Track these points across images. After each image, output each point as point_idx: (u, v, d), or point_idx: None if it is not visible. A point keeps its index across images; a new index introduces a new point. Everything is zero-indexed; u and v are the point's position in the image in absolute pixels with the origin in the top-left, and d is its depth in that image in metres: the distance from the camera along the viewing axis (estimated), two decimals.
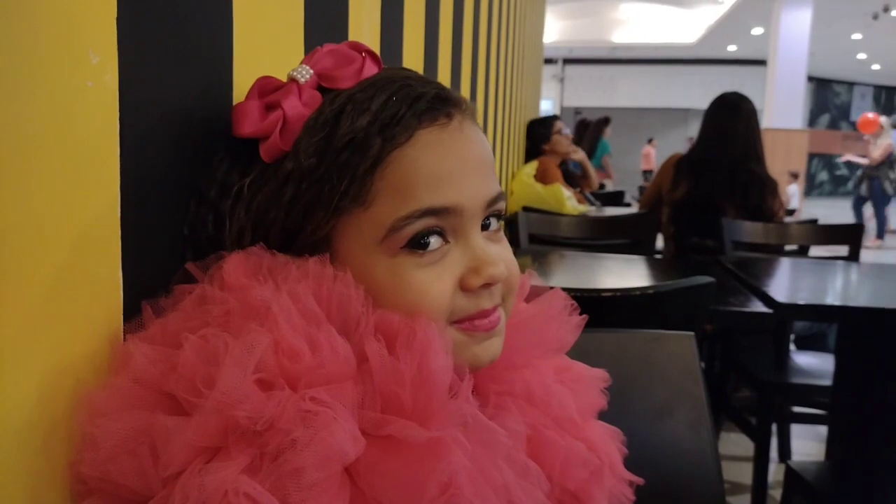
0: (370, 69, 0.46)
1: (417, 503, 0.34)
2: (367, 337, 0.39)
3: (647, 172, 12.11)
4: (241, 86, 0.53)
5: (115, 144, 0.40)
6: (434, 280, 0.42)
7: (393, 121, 0.42)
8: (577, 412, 0.49)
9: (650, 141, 12.52)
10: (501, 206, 0.46)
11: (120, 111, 0.40)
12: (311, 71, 0.45)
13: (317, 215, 0.42)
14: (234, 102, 0.52)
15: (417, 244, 0.42)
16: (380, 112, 0.42)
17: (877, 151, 7.20)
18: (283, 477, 0.33)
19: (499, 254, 0.46)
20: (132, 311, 0.41)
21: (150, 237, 0.44)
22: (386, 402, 0.37)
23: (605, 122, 5.75)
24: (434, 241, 0.43)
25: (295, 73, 0.45)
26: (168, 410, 0.35)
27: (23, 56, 0.33)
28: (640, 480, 0.52)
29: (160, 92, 0.44)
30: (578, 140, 4.50)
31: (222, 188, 0.45)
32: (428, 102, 0.43)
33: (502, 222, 0.48)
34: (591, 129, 5.60)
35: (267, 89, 0.46)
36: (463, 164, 0.43)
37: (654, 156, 12.26)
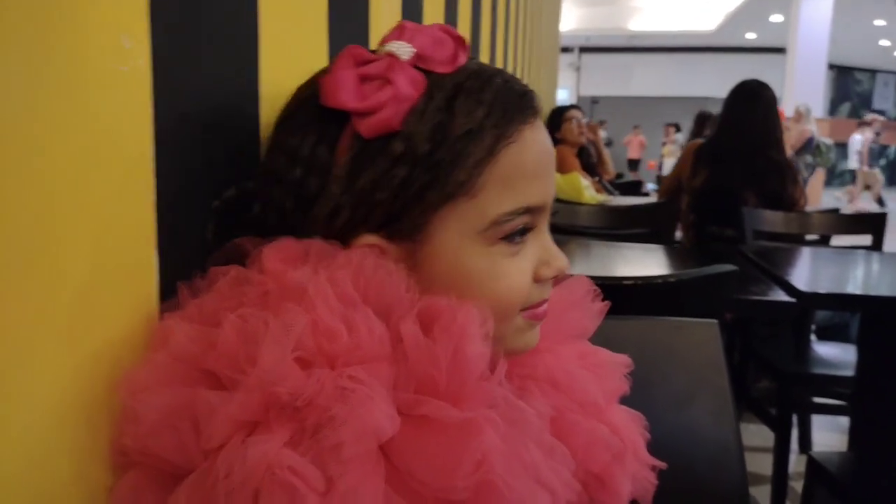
0: (462, 58, 0.45)
1: (451, 480, 0.35)
2: (403, 319, 0.39)
3: (633, 162, 11.82)
4: (267, 69, 0.53)
5: (148, 127, 0.40)
6: (522, 270, 0.45)
7: (505, 116, 0.43)
8: (600, 396, 0.49)
9: (635, 128, 12.23)
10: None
11: (153, 95, 0.40)
12: (412, 49, 0.44)
13: (427, 200, 0.42)
14: (260, 85, 0.53)
15: (513, 237, 0.44)
16: (493, 105, 0.43)
17: (794, 137, 7.61)
18: (323, 451, 0.34)
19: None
20: (168, 293, 0.42)
21: (184, 219, 0.44)
22: (420, 384, 0.38)
23: None
24: (521, 233, 0.45)
25: (394, 49, 0.44)
26: (207, 386, 0.36)
27: (61, 41, 0.34)
28: (662, 465, 0.52)
29: (190, 76, 0.45)
30: (699, 131, 4.45)
31: (310, 165, 0.43)
32: (528, 102, 0.45)
33: None
34: (714, 121, 5.60)
35: (360, 60, 0.44)
36: (548, 163, 0.46)
37: (640, 143, 11.94)
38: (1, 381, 0.32)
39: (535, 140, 0.45)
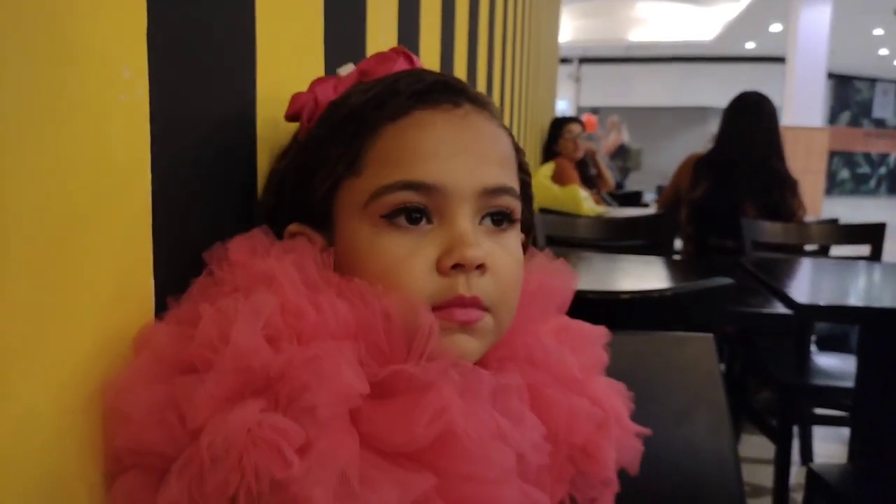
0: (401, 66, 0.50)
1: (411, 431, 0.36)
2: (340, 295, 0.41)
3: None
4: (264, 96, 0.54)
5: (146, 154, 0.41)
6: (408, 255, 0.42)
7: (390, 97, 0.45)
8: (579, 369, 0.49)
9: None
10: (506, 202, 0.45)
11: (151, 122, 0.41)
12: (353, 67, 0.51)
13: (315, 179, 0.45)
14: (258, 111, 0.54)
15: (396, 216, 0.43)
16: (382, 91, 0.45)
17: (608, 144, 8.56)
18: (299, 415, 0.35)
19: (487, 248, 0.44)
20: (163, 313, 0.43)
21: (180, 242, 0.45)
22: (373, 355, 0.39)
23: None
24: (415, 218, 0.43)
25: (339, 70, 0.51)
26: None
27: (62, 72, 0.35)
28: (648, 432, 0.52)
29: (188, 104, 0.46)
30: None
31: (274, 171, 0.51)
32: (427, 86, 0.45)
33: (513, 226, 0.47)
34: None
35: (319, 83, 0.51)
36: (458, 146, 0.44)
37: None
38: (17, 369, 0.33)
39: (435, 122, 0.44)
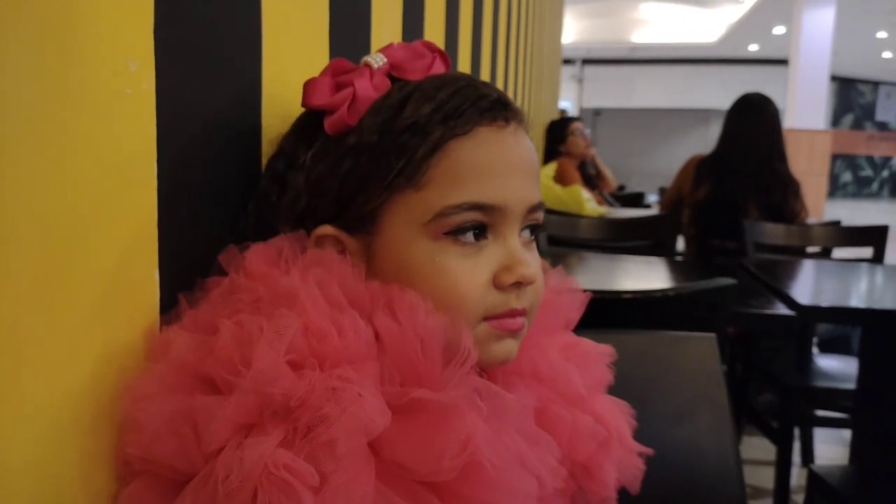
0: (439, 67, 0.48)
1: (437, 462, 0.36)
2: (375, 313, 0.40)
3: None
4: (270, 90, 0.54)
5: (152, 147, 0.41)
6: (469, 270, 0.44)
7: (456, 112, 0.44)
8: (584, 387, 0.50)
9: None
10: (540, 216, 0.48)
11: (157, 116, 0.41)
12: (385, 59, 0.48)
13: (369, 189, 0.44)
14: (263, 106, 0.54)
15: (462, 233, 0.44)
16: (444, 103, 0.44)
17: None
18: (316, 449, 0.35)
19: (532, 262, 0.46)
20: (168, 307, 0.43)
21: (185, 236, 0.45)
22: (403, 374, 0.39)
23: None
24: (475, 234, 0.44)
25: (369, 59, 0.48)
26: (205, 392, 0.37)
27: (68, 65, 0.35)
28: (649, 451, 0.52)
29: (194, 97, 0.46)
30: None
31: (289, 160, 0.47)
32: (490, 103, 0.45)
33: (534, 235, 0.49)
34: None
35: (340, 70, 0.48)
36: (513, 166, 0.45)
37: None
38: (22, 370, 0.33)
39: (497, 140, 0.45)
